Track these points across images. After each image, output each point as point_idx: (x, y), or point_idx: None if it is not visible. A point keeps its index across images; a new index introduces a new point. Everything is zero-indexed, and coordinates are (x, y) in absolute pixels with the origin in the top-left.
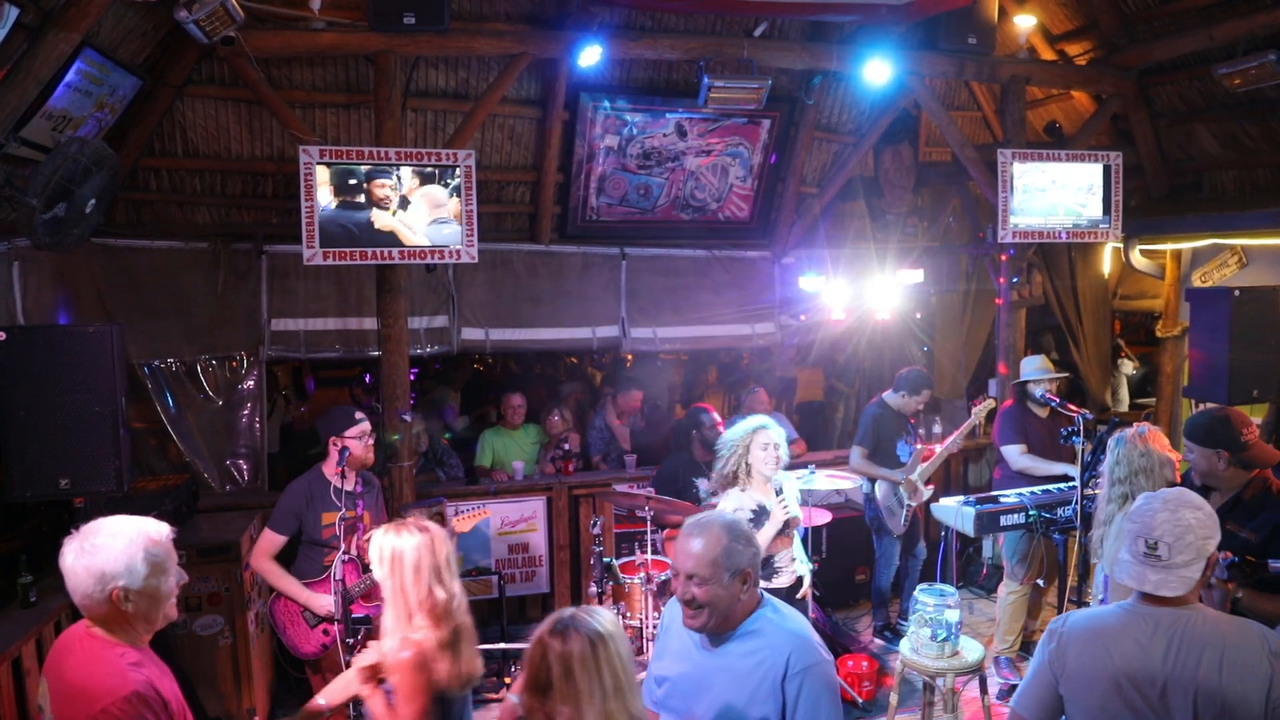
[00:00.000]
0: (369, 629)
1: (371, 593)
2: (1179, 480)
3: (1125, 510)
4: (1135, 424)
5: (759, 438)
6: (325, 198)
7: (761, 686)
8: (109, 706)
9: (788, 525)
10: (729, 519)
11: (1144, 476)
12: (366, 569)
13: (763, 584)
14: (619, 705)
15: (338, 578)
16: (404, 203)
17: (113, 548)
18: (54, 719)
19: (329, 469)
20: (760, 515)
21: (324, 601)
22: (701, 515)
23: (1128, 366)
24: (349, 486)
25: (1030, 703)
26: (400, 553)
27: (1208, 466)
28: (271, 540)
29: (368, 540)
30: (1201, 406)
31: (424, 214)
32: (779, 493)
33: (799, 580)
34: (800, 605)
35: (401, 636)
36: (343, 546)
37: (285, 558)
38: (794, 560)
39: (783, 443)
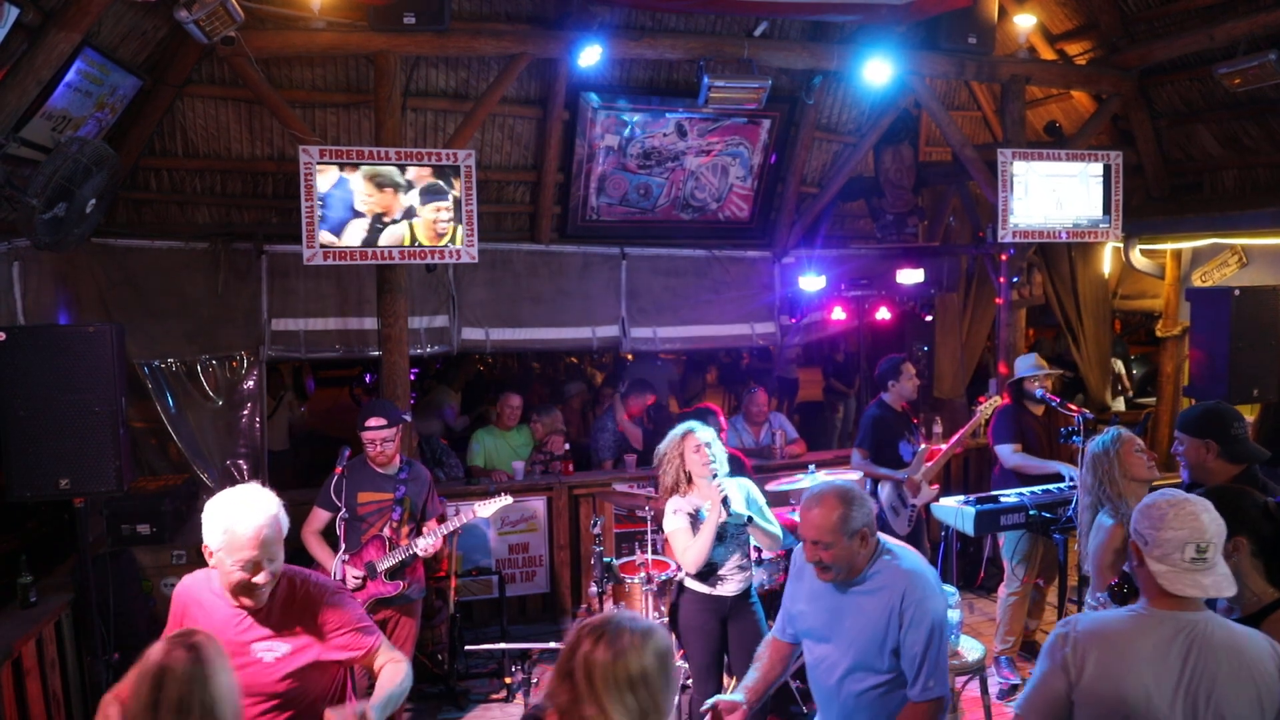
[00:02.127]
0: None
1: (407, 572)
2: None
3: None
4: (1111, 429)
5: (688, 442)
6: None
7: (885, 618)
8: None
9: (740, 531)
10: (842, 487)
11: (1108, 483)
12: (394, 548)
13: (708, 590)
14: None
15: (338, 577)
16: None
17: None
18: None
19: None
20: (696, 519)
21: (349, 574)
22: (818, 485)
23: (1120, 367)
24: (390, 472)
25: (1038, 708)
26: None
27: (1196, 458)
28: (317, 516)
29: (403, 528)
30: None
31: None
32: (726, 502)
33: (748, 589)
34: (753, 612)
35: None
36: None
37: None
38: (742, 569)
39: (715, 440)
